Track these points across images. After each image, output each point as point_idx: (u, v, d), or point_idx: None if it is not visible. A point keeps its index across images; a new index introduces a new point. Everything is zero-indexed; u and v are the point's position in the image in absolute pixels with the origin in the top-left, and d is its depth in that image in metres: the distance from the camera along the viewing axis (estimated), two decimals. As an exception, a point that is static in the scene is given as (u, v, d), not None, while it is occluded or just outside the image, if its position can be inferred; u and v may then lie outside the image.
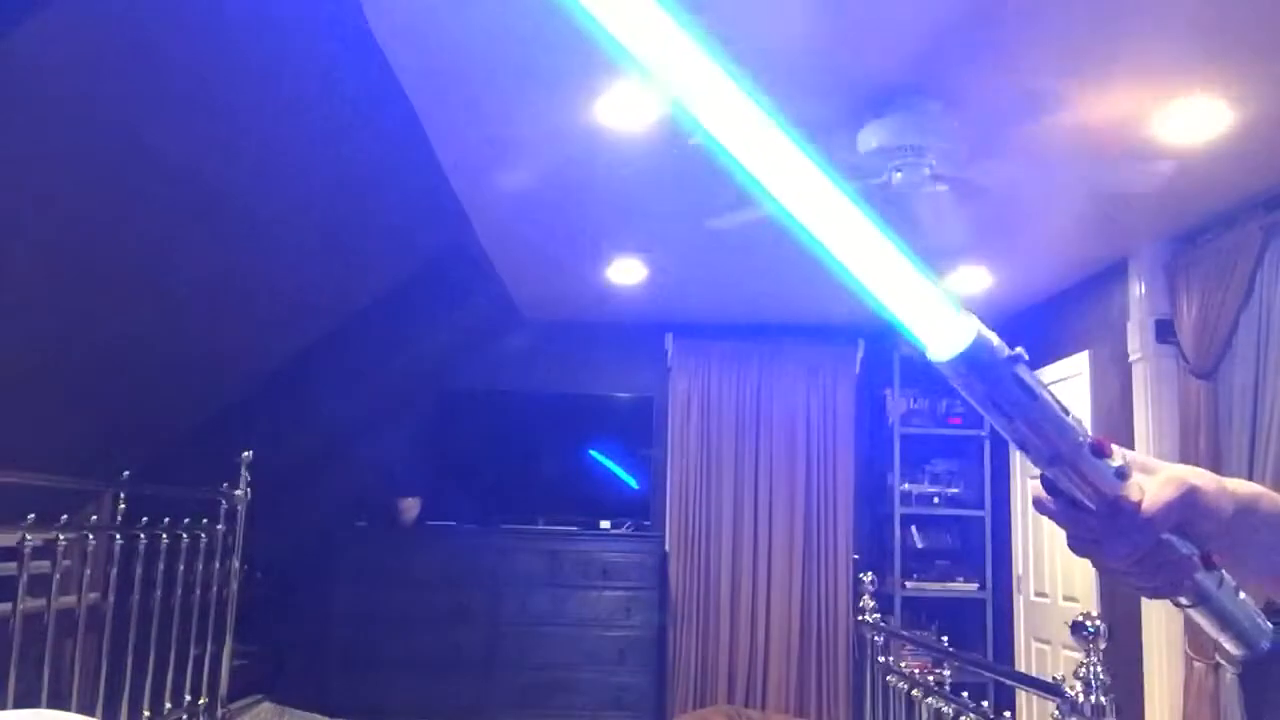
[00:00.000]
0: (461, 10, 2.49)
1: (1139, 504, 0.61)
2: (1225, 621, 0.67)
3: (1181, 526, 0.62)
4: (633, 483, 5.81)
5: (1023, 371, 0.57)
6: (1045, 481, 0.62)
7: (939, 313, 0.56)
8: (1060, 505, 0.62)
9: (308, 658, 5.31)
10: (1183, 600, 0.66)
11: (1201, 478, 0.64)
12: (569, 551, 5.44)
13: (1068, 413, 0.59)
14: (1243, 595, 0.67)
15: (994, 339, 0.57)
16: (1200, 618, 0.68)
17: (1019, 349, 0.58)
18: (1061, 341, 4.94)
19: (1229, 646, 0.68)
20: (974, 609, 5.66)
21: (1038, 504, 0.64)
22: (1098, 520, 0.61)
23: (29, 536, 2.48)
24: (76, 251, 2.77)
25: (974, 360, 0.56)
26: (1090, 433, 0.60)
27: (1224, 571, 0.66)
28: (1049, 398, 0.59)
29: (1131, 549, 0.61)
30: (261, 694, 4.02)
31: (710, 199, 3.51)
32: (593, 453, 5.84)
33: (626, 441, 5.84)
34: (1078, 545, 0.63)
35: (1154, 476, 0.63)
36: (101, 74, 2.24)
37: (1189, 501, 0.62)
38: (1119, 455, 0.61)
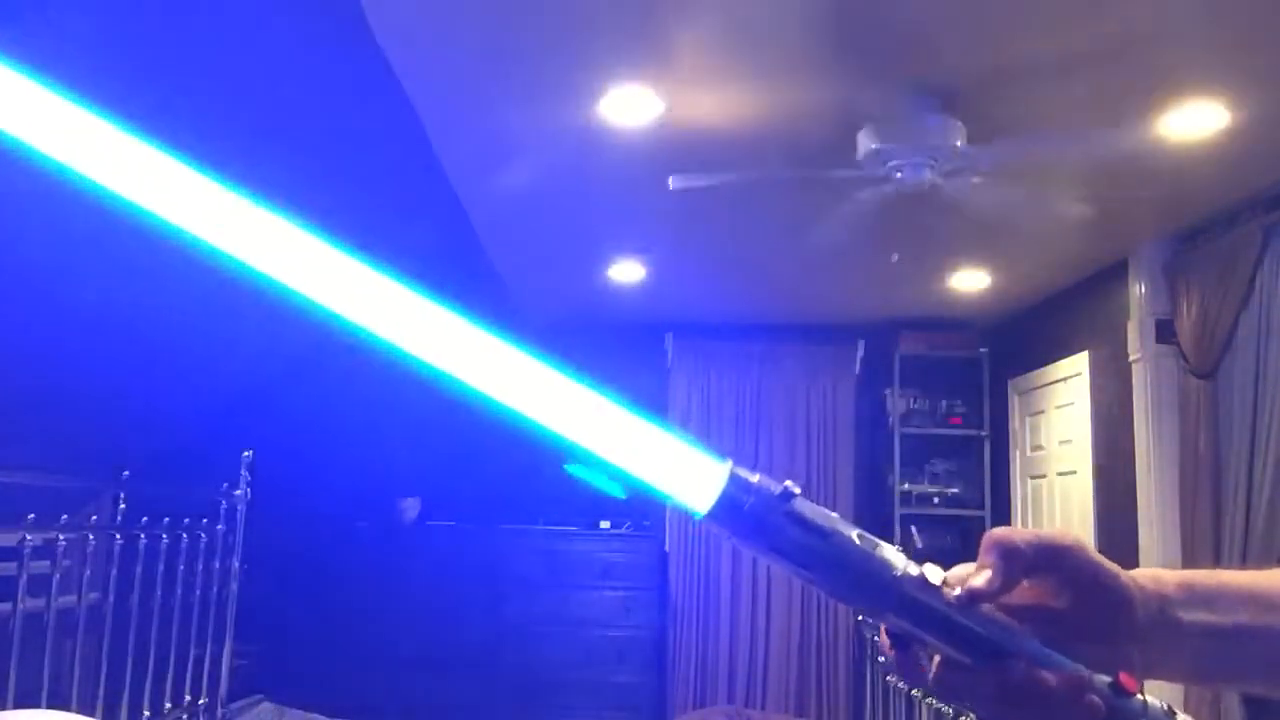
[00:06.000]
0: (461, 10, 2.49)
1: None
2: None
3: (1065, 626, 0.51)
4: (620, 493, 5.80)
5: (802, 507, 0.49)
6: (890, 634, 0.52)
7: (689, 465, 0.50)
8: (910, 658, 0.52)
9: (308, 658, 5.31)
10: None
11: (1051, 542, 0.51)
12: (569, 551, 5.44)
13: (877, 545, 0.50)
14: (1183, 718, 0.52)
15: (754, 477, 0.49)
16: None
17: (788, 483, 0.49)
18: (1061, 341, 4.94)
19: None
20: (974, 609, 5.65)
21: (894, 665, 0.53)
22: (951, 659, 0.50)
23: (29, 536, 2.48)
24: (77, 251, 2.77)
25: (736, 505, 0.48)
26: (910, 560, 0.51)
27: (1148, 697, 0.51)
28: (846, 532, 0.50)
29: (1001, 681, 0.49)
30: (261, 694, 4.01)
31: (710, 199, 3.51)
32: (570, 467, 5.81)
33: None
34: (951, 695, 0.52)
35: None
36: (98, 71, 2.24)
37: (1011, 556, 0.50)
38: (951, 582, 0.51)
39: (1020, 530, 0.52)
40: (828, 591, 0.51)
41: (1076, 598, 0.52)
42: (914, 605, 0.50)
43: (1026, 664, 0.49)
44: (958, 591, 0.50)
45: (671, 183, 3.20)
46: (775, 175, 3.15)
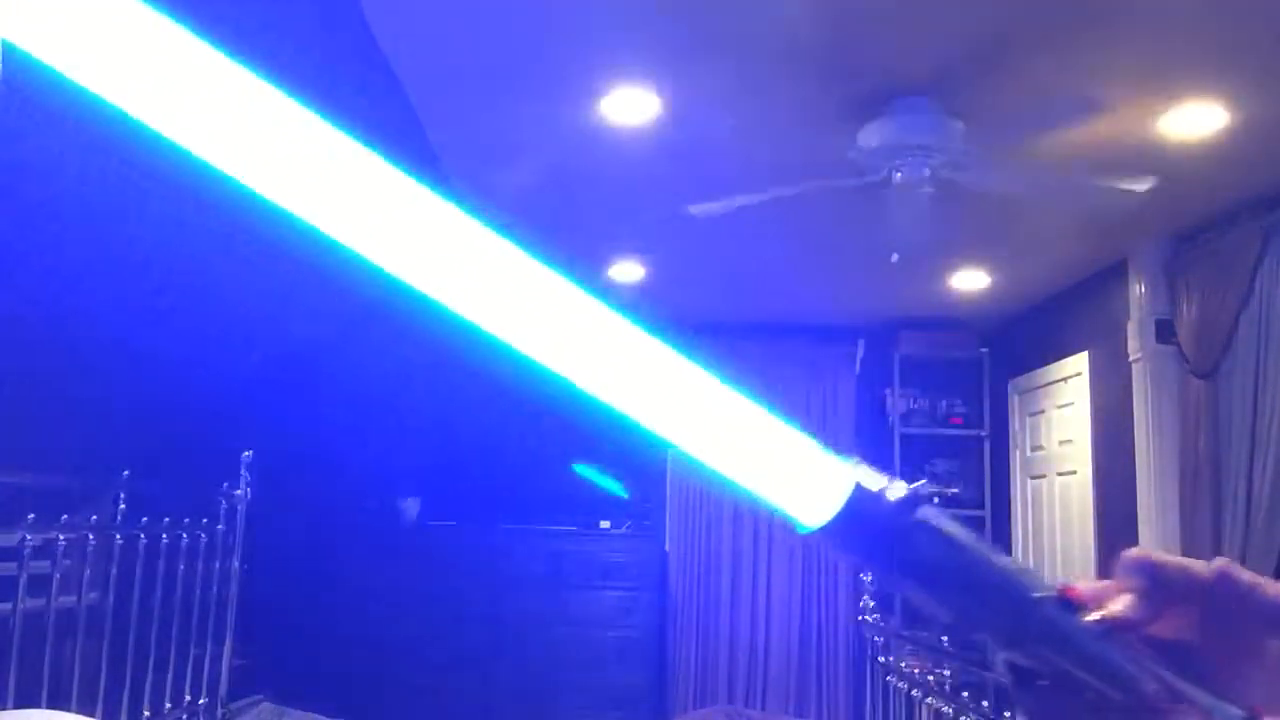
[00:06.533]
0: (461, 11, 2.49)
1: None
2: None
3: (1196, 659, 0.44)
4: (622, 492, 5.80)
5: (936, 517, 0.40)
6: (1018, 674, 0.43)
7: (800, 463, 0.40)
8: (1040, 698, 0.43)
9: (308, 658, 5.31)
10: None
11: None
12: (569, 551, 5.44)
13: (1009, 560, 0.43)
14: None
15: (882, 480, 0.40)
16: None
17: (921, 482, 0.40)
18: (1061, 341, 4.94)
19: None
20: (974, 609, 5.65)
21: (1018, 703, 0.44)
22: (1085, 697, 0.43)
23: (29, 536, 2.48)
24: (75, 250, 2.78)
25: (863, 517, 0.39)
26: (1055, 578, 0.43)
27: None
28: (981, 548, 0.41)
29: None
30: (261, 694, 4.02)
31: (709, 199, 3.50)
32: (579, 467, 5.80)
33: (626, 442, 5.84)
34: None
35: None
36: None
37: (1160, 583, 0.43)
38: (1084, 600, 0.43)
39: (1166, 554, 0.46)
40: (957, 618, 0.43)
41: (1217, 634, 0.46)
42: (1055, 633, 0.42)
43: (1186, 705, 0.42)
44: (1096, 616, 0.43)
45: (692, 210, 3.20)
46: (782, 194, 3.14)
